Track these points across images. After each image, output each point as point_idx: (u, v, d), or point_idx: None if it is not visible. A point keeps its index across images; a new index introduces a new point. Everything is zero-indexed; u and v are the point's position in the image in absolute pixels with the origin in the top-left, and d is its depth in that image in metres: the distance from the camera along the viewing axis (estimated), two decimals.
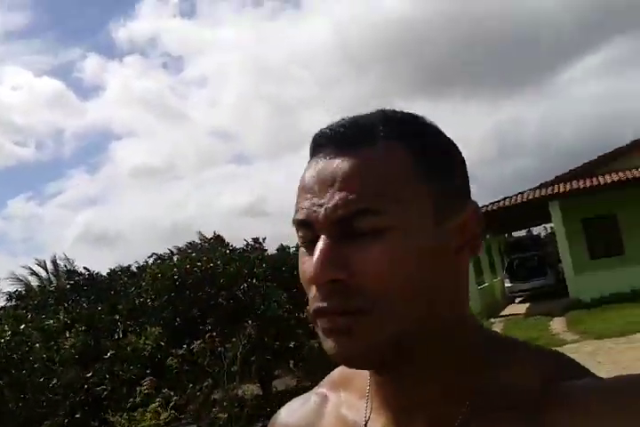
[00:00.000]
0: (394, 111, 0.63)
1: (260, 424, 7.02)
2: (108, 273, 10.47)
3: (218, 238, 11.59)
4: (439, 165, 0.60)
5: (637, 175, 15.01)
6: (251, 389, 7.95)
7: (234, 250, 11.21)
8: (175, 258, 9.24)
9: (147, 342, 6.83)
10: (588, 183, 15.51)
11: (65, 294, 8.84)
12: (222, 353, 6.56)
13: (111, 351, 7.02)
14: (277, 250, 12.28)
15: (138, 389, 5.62)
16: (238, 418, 6.15)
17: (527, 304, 18.05)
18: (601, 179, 15.54)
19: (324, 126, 0.63)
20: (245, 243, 12.19)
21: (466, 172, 0.64)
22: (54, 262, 21.63)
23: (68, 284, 9.51)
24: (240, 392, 6.99)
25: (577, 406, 0.54)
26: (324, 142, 0.61)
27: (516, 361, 0.60)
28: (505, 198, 17.00)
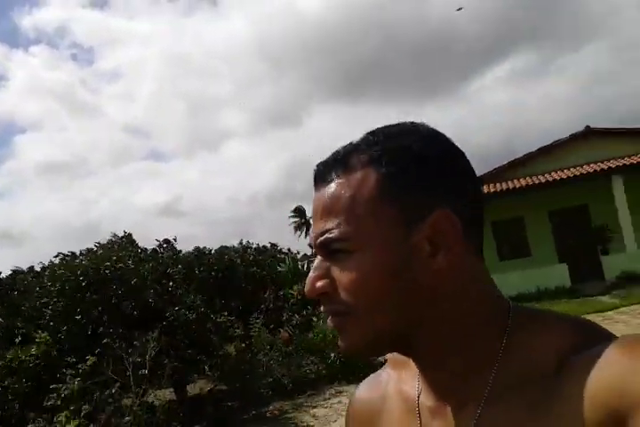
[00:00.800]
0: (378, 131, 0.71)
1: None
2: (10, 273, 9.91)
3: (128, 237, 11.20)
4: (408, 181, 0.67)
5: (543, 180, 15.83)
6: (163, 394, 7.70)
7: (145, 250, 10.87)
8: (82, 258, 8.80)
9: (32, 352, 6.41)
10: (498, 188, 16.22)
11: None
12: (126, 359, 6.31)
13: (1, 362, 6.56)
14: (192, 251, 12.07)
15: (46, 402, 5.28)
16: (150, 424, 5.93)
17: None
18: (510, 183, 16.28)
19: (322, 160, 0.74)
20: (158, 243, 11.89)
21: (446, 172, 0.69)
22: None
23: None
24: (151, 398, 6.74)
25: (582, 372, 0.59)
26: (316, 176, 0.73)
27: (538, 330, 0.67)
28: None
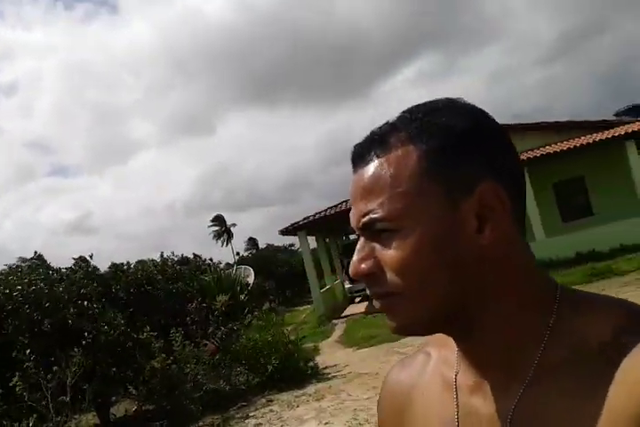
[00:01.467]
0: (414, 109, 0.70)
1: None
2: None
3: (39, 258, 10.70)
4: (451, 155, 0.66)
5: None
6: (86, 418, 7.37)
7: (58, 270, 10.40)
8: None
9: None
10: None
11: None
12: (43, 384, 6.00)
13: None
14: (109, 268, 11.64)
15: None
16: None
17: (366, 303, 18.88)
18: None
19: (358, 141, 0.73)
20: (75, 261, 11.41)
21: (487, 145, 0.68)
22: None
23: None
24: (73, 424, 6.44)
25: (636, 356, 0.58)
26: (354, 156, 0.72)
27: (586, 311, 0.66)
28: (342, 202, 17.76)
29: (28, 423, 5.55)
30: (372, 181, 0.67)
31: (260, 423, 7.83)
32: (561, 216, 18.53)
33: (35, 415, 5.70)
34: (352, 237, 28.82)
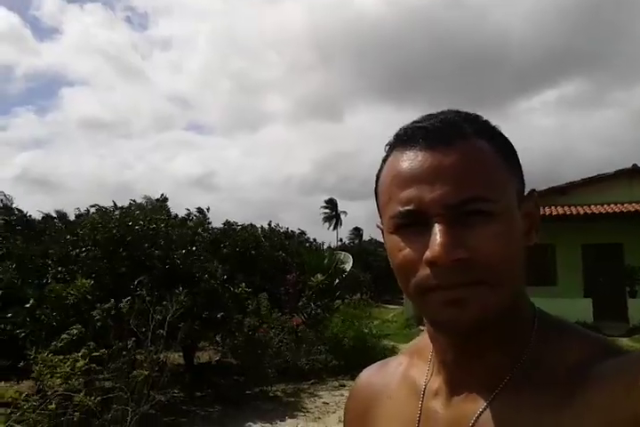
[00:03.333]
0: (465, 112, 0.71)
1: (177, 392, 6.84)
2: (43, 217, 10.03)
3: (163, 201, 11.27)
4: (513, 161, 0.70)
5: (582, 212, 15.54)
6: (173, 356, 7.72)
7: (176, 216, 10.93)
8: (117, 213, 8.86)
9: (71, 291, 6.50)
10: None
11: None
12: (151, 315, 6.33)
13: (33, 298, 6.68)
14: (223, 224, 12.09)
15: (61, 336, 5.33)
16: (156, 382, 5.93)
17: None
18: (547, 209, 16.02)
19: (410, 122, 0.71)
20: (188, 211, 11.95)
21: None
22: None
23: (3, 219, 8.99)
24: (162, 357, 6.76)
25: (607, 385, 0.59)
26: (418, 135, 0.68)
27: (561, 338, 0.68)
28: None
29: (127, 344, 5.88)
30: (463, 161, 0.65)
31: (327, 403, 7.88)
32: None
33: (133, 339, 6.03)
34: None
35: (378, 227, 0.76)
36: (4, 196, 21.13)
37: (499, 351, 0.68)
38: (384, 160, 0.73)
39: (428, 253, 0.63)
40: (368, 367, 0.91)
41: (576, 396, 0.60)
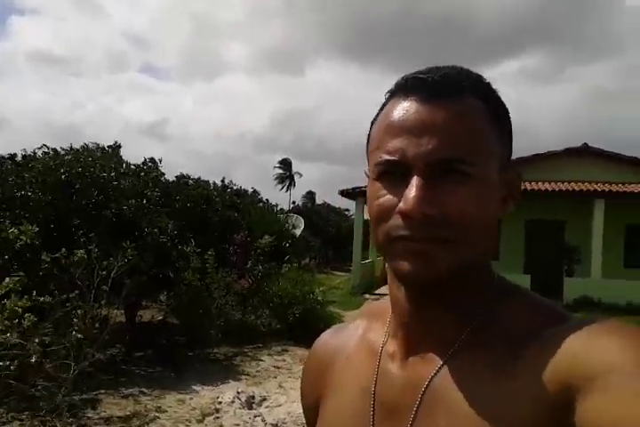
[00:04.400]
0: (468, 70, 0.70)
1: (117, 350, 6.61)
2: None
3: (115, 149, 10.75)
4: (505, 126, 0.71)
5: (528, 188, 15.78)
6: (115, 313, 7.45)
7: (128, 165, 10.45)
8: (69, 157, 8.36)
9: (21, 236, 6.09)
10: None
11: None
12: (96, 269, 6.02)
13: None
14: (176, 177, 11.67)
15: (3, 282, 4.98)
16: (96, 339, 5.68)
17: None
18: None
19: (413, 72, 0.70)
20: (142, 161, 11.46)
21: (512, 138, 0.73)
22: None
23: None
24: (104, 313, 6.49)
25: (547, 344, 0.61)
26: (418, 87, 0.67)
27: (516, 305, 0.69)
28: None
29: (68, 297, 5.57)
30: (453, 119, 0.65)
31: (271, 369, 7.82)
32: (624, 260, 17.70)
33: (77, 292, 5.72)
34: None
35: (365, 174, 0.75)
36: None
37: (454, 312, 0.70)
38: (381, 107, 0.73)
39: (401, 205, 0.64)
40: (326, 331, 0.93)
41: (520, 358, 0.63)
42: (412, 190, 0.63)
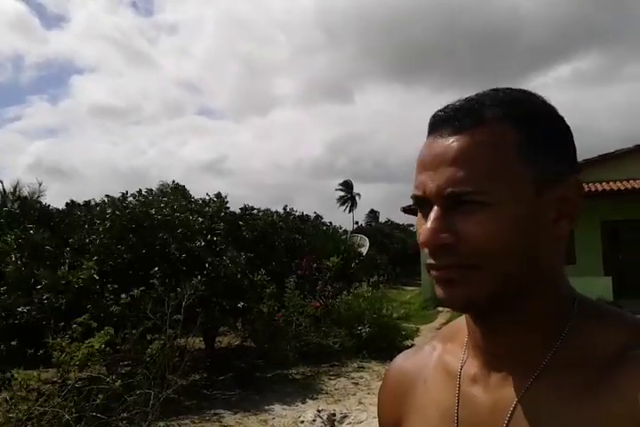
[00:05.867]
0: (506, 91, 0.71)
1: (198, 376, 6.93)
2: (66, 204, 10.14)
3: (180, 188, 11.31)
4: (543, 143, 0.68)
5: (600, 189, 15.31)
6: (193, 341, 7.81)
7: (195, 201, 10.96)
8: (132, 200, 8.91)
9: (81, 276, 6.57)
10: None
11: (16, 219, 8.47)
12: (167, 302, 6.38)
13: (45, 281, 6.77)
14: (240, 209, 12.11)
15: (75, 322, 5.40)
16: (177, 367, 6.01)
17: None
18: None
19: (441, 107, 0.72)
20: (208, 198, 11.96)
21: (571, 144, 0.72)
22: (14, 187, 20.98)
23: (22, 209, 9.11)
24: (182, 342, 6.84)
25: (637, 367, 0.61)
26: (439, 123, 0.70)
27: (599, 323, 0.69)
28: None
29: (144, 331, 5.94)
30: (465, 150, 0.66)
31: (349, 386, 7.93)
32: None
33: (150, 323, 6.09)
34: None
35: None
36: (38, 186, 21.28)
37: (527, 334, 0.70)
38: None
39: (420, 237, 0.68)
40: (402, 353, 0.93)
41: (617, 379, 0.62)
42: (428, 223, 0.67)
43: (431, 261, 0.68)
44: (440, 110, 0.71)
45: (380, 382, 0.95)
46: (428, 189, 0.68)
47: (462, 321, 0.80)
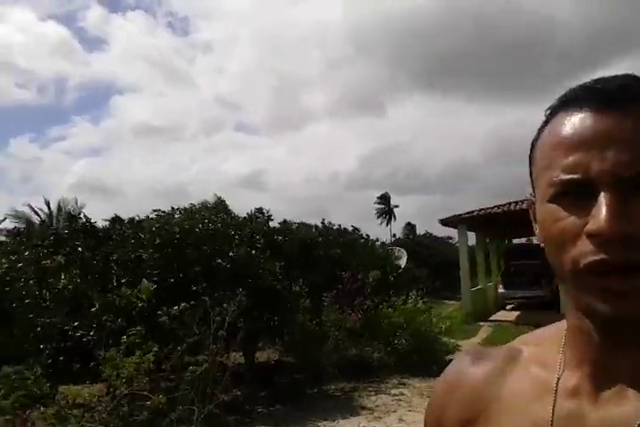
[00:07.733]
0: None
1: (239, 392, 7.01)
2: (110, 221, 10.38)
3: (222, 203, 11.51)
4: None
5: None
6: (234, 356, 7.91)
7: (236, 216, 11.14)
8: (177, 216, 9.11)
9: (140, 295, 6.74)
10: None
11: (64, 237, 8.73)
12: (211, 317, 6.49)
13: (99, 303, 6.96)
14: (279, 223, 12.26)
15: (124, 338, 5.55)
16: (219, 382, 6.10)
17: (517, 312, 18.13)
18: None
19: (578, 85, 0.65)
20: (250, 213, 12.14)
21: None
22: (59, 205, 21.67)
23: (69, 227, 9.38)
24: (224, 357, 6.93)
25: None
26: (590, 98, 0.62)
27: None
28: (510, 203, 16.78)
29: (186, 343, 6.06)
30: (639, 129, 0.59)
31: (388, 402, 7.89)
32: None
33: (194, 339, 6.21)
34: (515, 240, 27.55)
35: (528, 199, 0.71)
36: (75, 203, 21.98)
37: None
38: (543, 125, 0.68)
39: (590, 226, 0.58)
40: (463, 356, 0.83)
41: None
42: (602, 208, 0.57)
43: (598, 256, 0.57)
44: (584, 85, 0.65)
45: (421, 399, 0.85)
46: (595, 170, 0.58)
47: (549, 330, 0.74)
